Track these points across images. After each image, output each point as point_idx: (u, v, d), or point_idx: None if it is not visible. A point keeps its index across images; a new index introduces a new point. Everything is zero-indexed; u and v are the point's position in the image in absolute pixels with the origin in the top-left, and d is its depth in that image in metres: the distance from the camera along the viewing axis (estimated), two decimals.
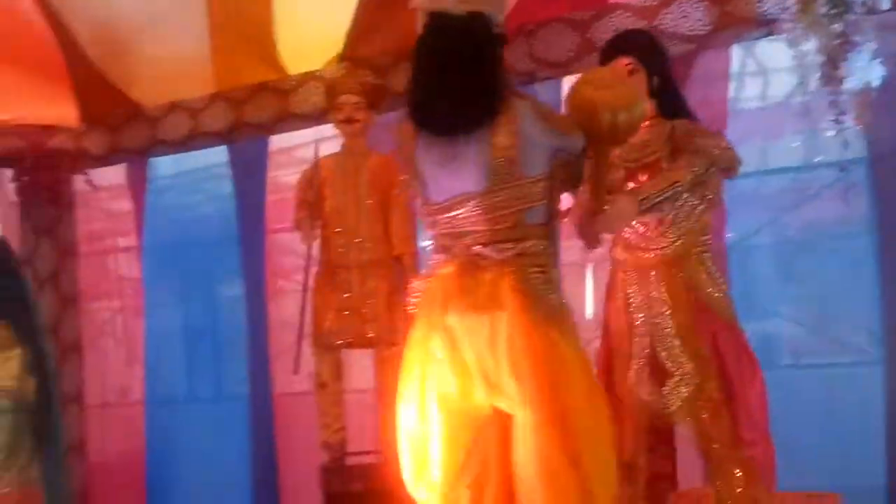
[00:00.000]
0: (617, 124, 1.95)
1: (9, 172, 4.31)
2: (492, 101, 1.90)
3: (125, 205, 4.59)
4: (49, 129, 4.30)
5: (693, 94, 2.88)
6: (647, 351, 2.42)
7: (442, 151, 1.92)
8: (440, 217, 1.98)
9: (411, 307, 2.08)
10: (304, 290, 3.20)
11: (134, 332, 4.58)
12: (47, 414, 2.21)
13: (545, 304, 1.91)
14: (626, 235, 2.47)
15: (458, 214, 1.94)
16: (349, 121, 3.23)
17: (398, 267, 3.27)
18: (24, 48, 3.58)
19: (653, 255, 2.42)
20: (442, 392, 1.93)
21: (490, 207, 1.91)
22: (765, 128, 3.47)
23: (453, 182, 1.93)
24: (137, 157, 4.36)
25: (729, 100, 3.29)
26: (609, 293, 2.56)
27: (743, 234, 3.40)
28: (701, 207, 2.41)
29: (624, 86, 2.11)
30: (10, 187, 4.34)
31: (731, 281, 2.88)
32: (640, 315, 2.43)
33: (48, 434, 2.21)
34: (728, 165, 2.42)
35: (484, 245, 1.92)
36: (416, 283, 2.12)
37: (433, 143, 1.93)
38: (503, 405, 1.92)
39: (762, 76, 3.58)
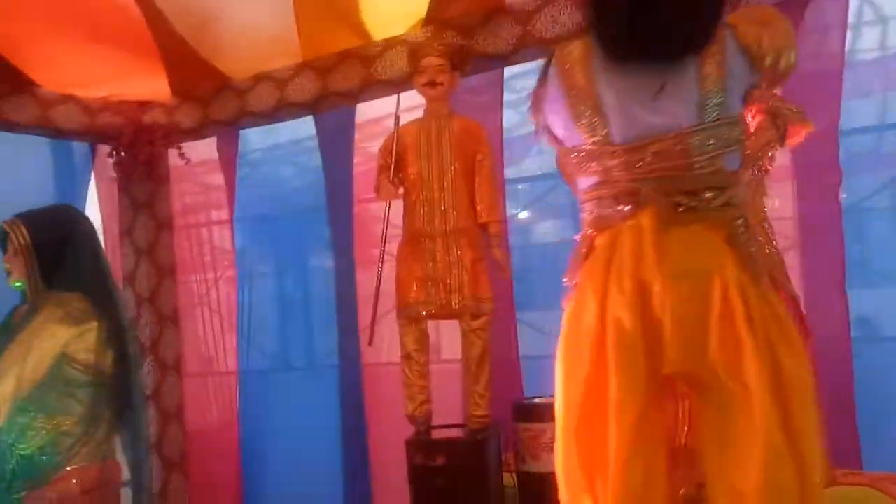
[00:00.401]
0: (778, 66, 1.73)
1: (106, 148, 4.37)
2: (714, 20, 1.65)
3: (217, 178, 4.65)
4: (143, 105, 4.38)
5: (806, 46, 2.65)
6: None
7: (639, 84, 1.68)
8: (625, 159, 1.71)
9: (578, 265, 1.83)
10: (380, 259, 3.13)
11: (228, 302, 4.64)
12: (126, 386, 2.18)
13: (755, 261, 1.69)
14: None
15: (650, 157, 1.69)
16: (431, 84, 3.12)
17: (484, 236, 3.17)
18: (112, 25, 3.61)
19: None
20: (623, 360, 1.66)
21: (693, 150, 1.68)
22: (884, 80, 3.19)
23: (652, 118, 1.69)
24: (227, 129, 4.38)
25: (846, 51, 3.02)
26: None
27: (859, 196, 3.14)
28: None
29: (785, 26, 1.82)
30: (109, 163, 4.40)
31: (845, 246, 2.66)
32: None
33: (128, 407, 2.19)
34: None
35: (686, 193, 1.69)
36: (583, 237, 1.85)
37: (627, 74, 1.69)
38: (703, 376, 1.68)
39: (881, 24, 3.29)
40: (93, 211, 4.60)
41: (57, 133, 4.20)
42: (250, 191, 4.64)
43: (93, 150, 4.49)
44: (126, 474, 2.17)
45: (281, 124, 4.41)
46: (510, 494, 3.12)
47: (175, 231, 4.64)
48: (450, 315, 3.14)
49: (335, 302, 4.16)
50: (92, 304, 2.14)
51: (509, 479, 3.14)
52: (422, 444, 3.00)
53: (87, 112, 4.25)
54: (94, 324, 2.11)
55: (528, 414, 3.02)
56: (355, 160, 4.09)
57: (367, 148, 4.08)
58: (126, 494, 2.18)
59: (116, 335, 2.17)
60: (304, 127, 4.28)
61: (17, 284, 2.20)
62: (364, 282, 4.09)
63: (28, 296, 2.17)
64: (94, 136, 4.34)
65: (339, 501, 4.09)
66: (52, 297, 2.11)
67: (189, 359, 4.68)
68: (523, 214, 4.56)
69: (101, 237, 4.59)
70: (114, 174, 4.46)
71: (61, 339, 2.03)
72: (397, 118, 3.17)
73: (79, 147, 4.48)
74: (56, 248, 2.15)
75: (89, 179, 4.54)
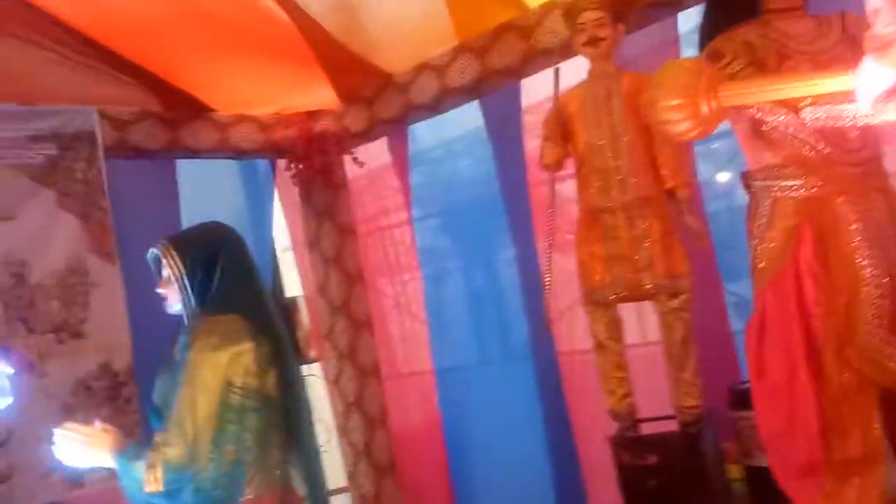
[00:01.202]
0: None
1: (285, 163, 4.43)
2: None
3: (392, 180, 4.59)
4: (313, 115, 4.41)
5: None
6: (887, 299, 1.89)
7: None
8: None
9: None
10: (549, 243, 2.84)
11: (417, 302, 4.58)
12: (294, 408, 2.07)
13: None
14: (813, 144, 1.99)
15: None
16: (592, 42, 2.80)
17: (672, 203, 2.81)
18: (268, 39, 3.61)
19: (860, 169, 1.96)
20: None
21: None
22: None
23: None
24: (396, 128, 4.30)
25: None
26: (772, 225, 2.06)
27: None
28: None
29: None
30: (287, 176, 4.45)
31: None
32: (868, 250, 1.94)
33: (297, 429, 2.07)
34: None
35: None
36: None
37: None
38: None
39: None
40: (281, 225, 4.70)
41: (237, 153, 4.31)
42: (426, 188, 4.55)
43: (272, 165, 4.57)
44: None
45: (449, 118, 4.26)
46: (739, 491, 2.75)
47: (359, 237, 4.62)
48: (642, 296, 2.82)
49: (521, 292, 3.94)
50: (247, 323, 1.99)
51: (736, 472, 2.76)
52: (628, 442, 2.71)
53: (262, 129, 4.32)
54: (250, 344, 1.97)
55: (748, 400, 2.62)
56: (526, 144, 3.85)
57: (537, 129, 3.82)
58: None
59: (277, 355, 2.03)
60: (472, 117, 4.11)
61: (176, 308, 2.12)
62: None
63: (185, 321, 2.09)
64: (272, 151, 4.41)
65: (551, 499, 3.86)
66: (205, 323, 1.99)
67: (387, 362, 4.65)
68: (723, 176, 4.10)
69: (288, 251, 4.83)
70: (295, 187, 4.48)
71: (220, 366, 1.91)
72: (556, 82, 2.86)
73: (262, 163, 4.57)
74: (207, 268, 2.03)
75: (273, 194, 4.60)
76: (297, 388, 2.11)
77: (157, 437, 1.90)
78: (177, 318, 2.15)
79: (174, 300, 2.10)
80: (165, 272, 2.09)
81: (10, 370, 2.28)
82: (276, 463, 1.99)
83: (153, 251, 2.12)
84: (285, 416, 2.03)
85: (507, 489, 4.08)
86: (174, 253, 2.07)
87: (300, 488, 2.06)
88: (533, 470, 3.94)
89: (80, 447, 1.96)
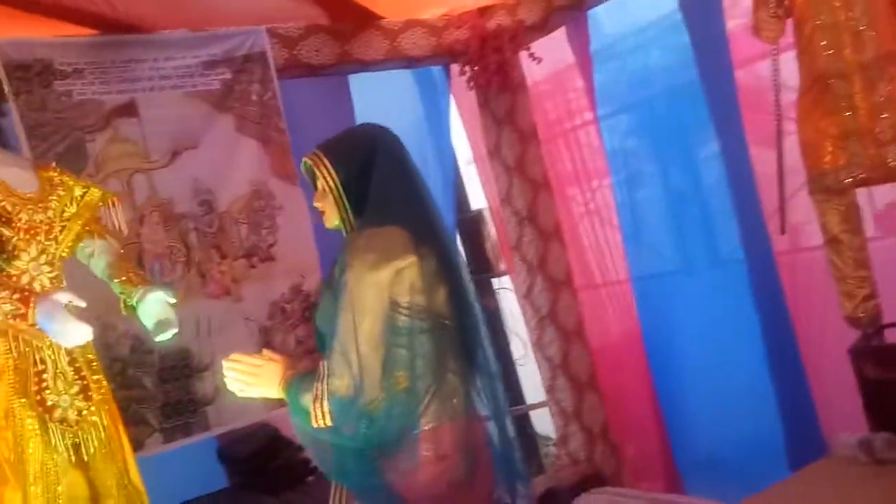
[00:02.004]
0: None
1: (456, 68, 4.18)
2: None
3: (574, 77, 4.23)
4: (484, 11, 4.12)
5: None
6: None
7: None
8: None
9: None
10: (777, 124, 2.40)
11: (609, 208, 4.26)
12: (469, 327, 1.82)
13: None
14: None
15: None
16: None
17: None
18: None
19: None
20: None
21: None
22: None
23: None
24: (574, 15, 3.92)
25: None
26: None
27: None
28: None
29: None
30: (463, 81, 4.20)
31: None
32: None
33: (475, 352, 1.83)
34: None
35: None
36: None
37: None
38: None
39: None
40: (460, 133, 4.49)
41: (409, 62, 4.10)
42: (612, 84, 4.14)
43: (446, 71, 4.33)
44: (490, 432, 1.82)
45: (634, 2, 3.81)
46: None
47: (543, 142, 4.32)
48: (888, 177, 2.33)
49: (729, 188, 3.51)
50: (409, 235, 1.77)
51: None
52: (873, 352, 2.29)
53: (433, 32, 4.07)
54: (413, 258, 1.74)
55: None
56: (727, 20, 3.35)
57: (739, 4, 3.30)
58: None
59: (445, 269, 1.79)
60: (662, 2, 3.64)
61: (335, 224, 1.90)
62: (763, 159, 3.37)
63: (345, 236, 1.87)
64: (445, 56, 4.16)
65: (775, 416, 3.49)
66: (362, 238, 1.78)
67: (580, 272, 4.40)
68: None
69: (471, 164, 4.63)
70: (471, 92, 4.23)
71: (382, 285, 1.70)
72: None
73: (436, 70, 4.34)
74: (362, 175, 1.81)
75: (450, 102, 4.38)
76: (471, 306, 1.85)
77: (322, 367, 1.72)
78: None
79: (331, 214, 1.89)
80: (319, 183, 1.90)
81: (174, 300, 2.17)
82: (453, 390, 1.77)
83: (306, 161, 1.92)
84: (460, 337, 1.80)
85: (720, 405, 3.76)
86: (326, 161, 1.87)
87: (482, 412, 1.84)
88: (750, 385, 3.59)
89: (248, 378, 1.82)
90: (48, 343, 2.03)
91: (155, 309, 2.13)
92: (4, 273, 2.06)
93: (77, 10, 3.06)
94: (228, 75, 3.50)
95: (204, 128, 3.44)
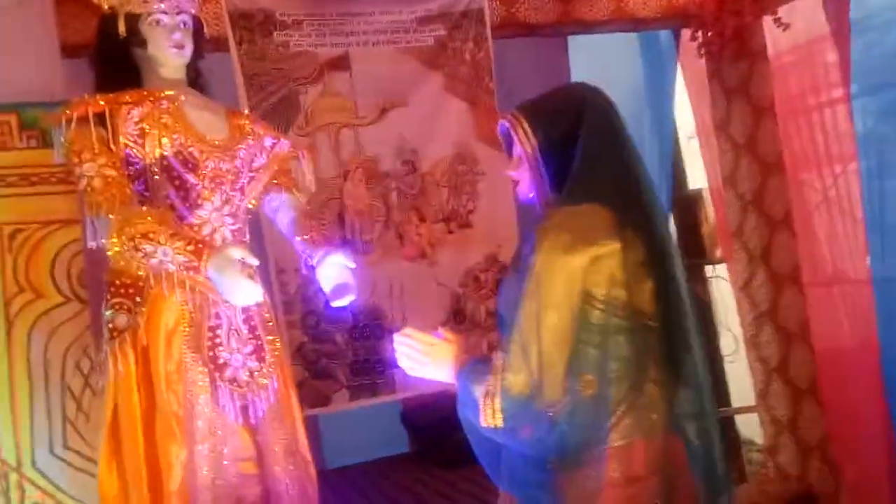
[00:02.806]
0: None
1: (687, 32, 3.80)
2: None
3: (826, 48, 3.72)
4: None
5: None
6: None
7: None
8: None
9: None
10: None
11: (853, 198, 3.74)
12: (678, 331, 1.53)
13: None
14: None
15: None
16: None
17: None
18: None
19: None
20: None
21: None
22: None
23: None
24: None
25: None
26: None
27: None
28: None
29: None
30: (693, 47, 3.82)
31: None
32: None
33: (682, 360, 1.53)
34: None
35: None
36: None
37: None
38: None
39: None
40: (684, 105, 4.13)
41: (634, 24, 3.79)
42: (872, 59, 3.58)
43: (675, 36, 3.99)
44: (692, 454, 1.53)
45: None
46: None
47: (779, 119, 3.86)
48: None
49: None
50: (614, 216, 1.53)
51: None
52: None
53: None
54: (615, 245, 1.49)
55: None
56: None
57: None
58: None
59: (655, 259, 1.53)
60: None
61: (529, 196, 1.68)
62: None
63: (540, 211, 1.64)
64: (675, 18, 3.81)
65: None
66: (558, 216, 1.55)
67: (809, 267, 3.91)
68: None
69: (692, 139, 4.25)
70: (701, 60, 3.87)
71: (575, 272, 1.47)
72: None
73: (663, 34, 4.02)
74: (565, 142, 1.58)
75: (676, 70, 4.04)
76: (682, 305, 1.56)
77: (497, 359, 1.51)
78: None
79: (527, 185, 1.68)
80: (516, 149, 1.69)
81: (352, 265, 2.06)
82: (652, 402, 1.51)
83: (502, 123, 1.71)
84: (666, 341, 1.53)
85: None
86: (525, 123, 1.65)
87: (685, 432, 1.55)
88: None
89: (420, 356, 1.65)
90: (224, 298, 1.96)
91: (333, 272, 2.04)
92: (186, 221, 2.01)
93: None
94: (442, 31, 3.42)
95: (413, 86, 3.39)
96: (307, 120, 3.21)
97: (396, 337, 1.70)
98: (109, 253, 1.96)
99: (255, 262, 1.87)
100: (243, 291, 1.85)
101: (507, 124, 1.69)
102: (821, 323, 3.91)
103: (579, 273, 1.48)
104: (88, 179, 1.92)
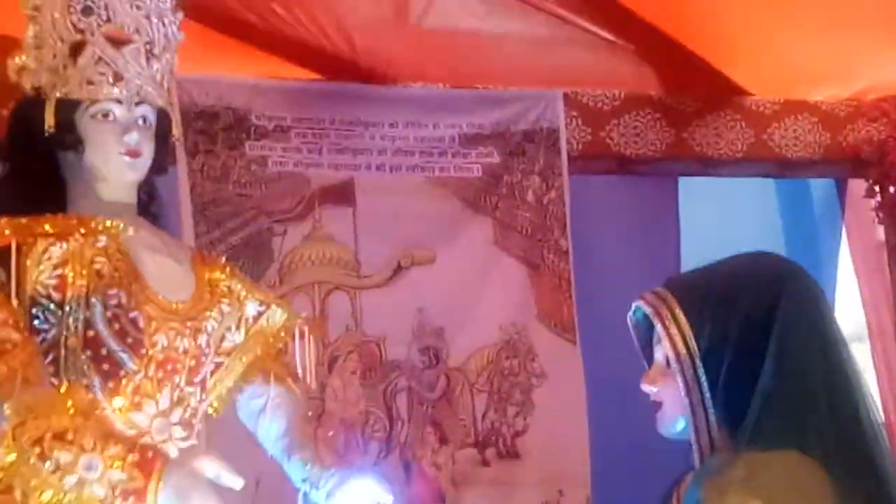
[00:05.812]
0: None
1: (857, 186, 2.95)
2: None
3: None
4: None
5: None
6: None
7: None
8: None
9: None
10: None
11: None
12: None
13: None
14: None
15: None
16: None
17: None
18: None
19: None
20: None
21: None
22: None
23: None
24: None
25: None
26: None
27: None
28: None
29: None
30: (867, 207, 2.93)
31: None
32: None
33: None
34: None
35: None
36: None
37: None
38: None
39: None
40: (849, 288, 3.16)
41: (781, 168, 2.95)
42: None
43: (839, 188, 3.13)
44: None
45: None
46: None
47: None
48: None
49: None
50: (825, 472, 1.04)
51: None
52: None
53: (827, 123, 2.95)
54: None
55: None
56: None
57: None
58: None
59: None
60: None
61: (678, 428, 1.19)
62: None
63: (697, 457, 1.14)
64: (839, 162, 2.99)
65: None
66: (740, 468, 1.08)
67: None
68: None
69: (857, 331, 3.23)
70: (880, 225, 3.01)
71: None
72: None
73: (822, 183, 3.20)
74: (747, 349, 1.09)
75: (839, 236, 3.13)
76: None
77: None
78: (681, 449, 1.22)
79: (675, 408, 1.20)
80: (659, 352, 1.22)
81: (389, 498, 1.45)
82: None
83: (638, 307, 1.25)
84: None
85: None
86: (678, 310, 1.18)
87: None
88: None
89: None
90: None
91: None
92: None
93: (300, 44, 2.44)
94: (496, 158, 2.66)
95: (447, 234, 2.68)
96: (281, 274, 2.52)
97: None
98: None
99: (238, 481, 1.42)
100: None
101: (649, 309, 1.25)
102: None
103: None
104: None
